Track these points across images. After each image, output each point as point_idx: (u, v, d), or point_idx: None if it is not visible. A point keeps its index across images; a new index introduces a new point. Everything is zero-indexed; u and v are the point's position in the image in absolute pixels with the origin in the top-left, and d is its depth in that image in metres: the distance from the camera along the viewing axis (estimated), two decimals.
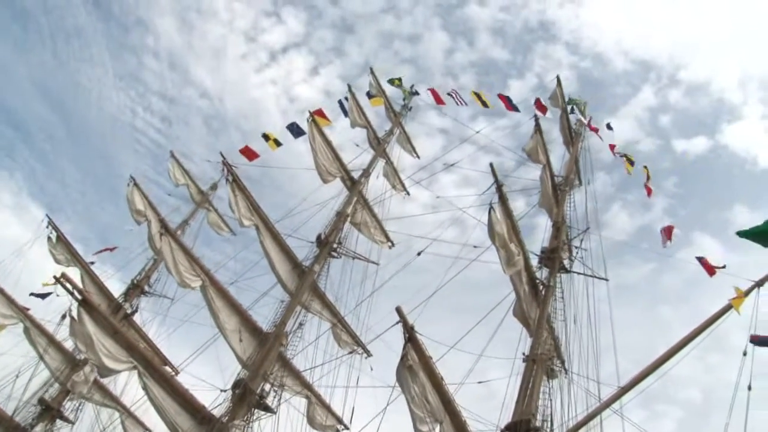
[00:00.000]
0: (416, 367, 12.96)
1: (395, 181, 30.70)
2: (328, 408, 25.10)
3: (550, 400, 17.25)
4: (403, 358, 12.93)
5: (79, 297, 19.00)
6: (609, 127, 23.87)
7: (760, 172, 77.99)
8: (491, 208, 17.01)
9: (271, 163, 29.59)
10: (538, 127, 21.67)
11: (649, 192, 22.69)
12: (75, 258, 28.43)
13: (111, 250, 33.00)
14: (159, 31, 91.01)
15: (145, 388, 20.46)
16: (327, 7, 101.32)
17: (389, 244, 29.13)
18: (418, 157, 32.70)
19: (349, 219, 27.45)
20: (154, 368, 20.70)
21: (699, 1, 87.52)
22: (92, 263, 30.24)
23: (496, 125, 30.81)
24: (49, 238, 27.93)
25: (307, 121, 26.98)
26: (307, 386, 24.37)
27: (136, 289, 30.12)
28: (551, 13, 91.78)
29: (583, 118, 24.38)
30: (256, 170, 30.35)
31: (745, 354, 14.80)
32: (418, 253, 19.30)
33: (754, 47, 79.90)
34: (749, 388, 14.37)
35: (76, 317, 18.84)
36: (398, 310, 12.93)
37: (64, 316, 22.48)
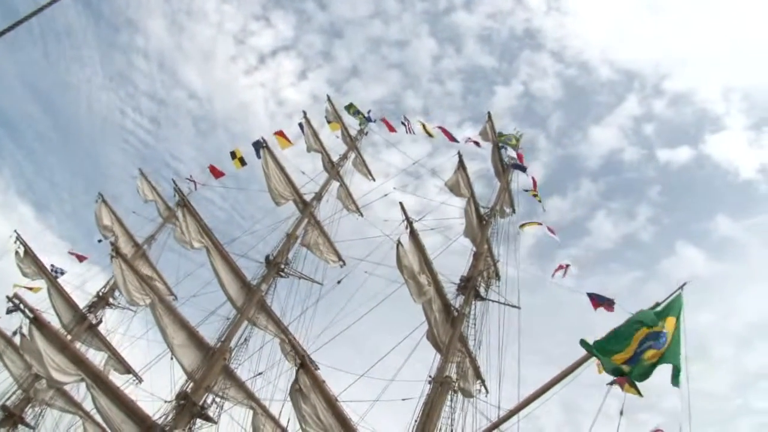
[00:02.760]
0: (306, 390, 14.66)
1: (348, 202, 32.41)
2: (272, 418, 26.74)
3: (452, 419, 19.01)
4: (294, 382, 14.65)
5: (30, 315, 20.75)
6: (523, 169, 25.54)
7: (741, 183, 79.57)
8: (399, 244, 18.67)
9: (240, 177, 31.72)
10: (461, 164, 23.35)
11: (552, 231, 24.41)
12: (42, 271, 30.10)
13: (80, 260, 34.69)
14: (149, 32, 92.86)
15: (93, 398, 22.23)
16: (316, 11, 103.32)
17: (341, 263, 30.90)
18: (374, 179, 34.40)
19: (299, 240, 29.23)
20: (101, 380, 22.38)
21: (683, 13, 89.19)
22: (60, 273, 31.82)
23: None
24: (16, 252, 29.53)
25: (260, 146, 28.74)
26: (251, 397, 26.05)
27: (101, 301, 31.82)
28: (537, 21, 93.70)
29: (514, 153, 26.08)
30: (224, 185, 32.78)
31: (610, 384, 16.64)
32: (338, 281, 21.09)
33: (737, 59, 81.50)
34: (621, 413, 16.25)
35: (27, 334, 20.61)
36: (290, 342, 14.66)
37: (14, 333, 24.21)
